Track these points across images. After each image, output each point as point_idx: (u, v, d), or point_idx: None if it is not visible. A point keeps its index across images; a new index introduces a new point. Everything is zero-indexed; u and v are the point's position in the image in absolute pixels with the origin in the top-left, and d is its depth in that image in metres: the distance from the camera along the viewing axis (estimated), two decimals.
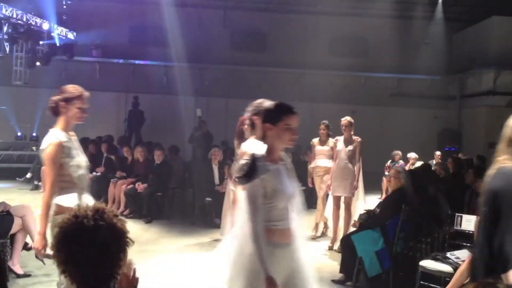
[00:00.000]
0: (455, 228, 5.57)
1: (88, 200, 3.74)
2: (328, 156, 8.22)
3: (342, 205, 7.80)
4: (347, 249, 5.91)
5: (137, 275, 2.27)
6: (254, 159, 2.95)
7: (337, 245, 7.26)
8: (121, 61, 16.68)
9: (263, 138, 3.12)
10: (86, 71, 16.59)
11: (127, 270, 2.11)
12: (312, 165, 8.58)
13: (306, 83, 16.53)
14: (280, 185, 3.04)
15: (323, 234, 8.63)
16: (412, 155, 12.52)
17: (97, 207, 1.97)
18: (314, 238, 8.41)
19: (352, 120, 7.81)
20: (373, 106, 16.21)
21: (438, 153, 13.00)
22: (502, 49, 14.72)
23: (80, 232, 1.88)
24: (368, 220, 6.21)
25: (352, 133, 7.72)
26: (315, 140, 8.45)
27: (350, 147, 7.66)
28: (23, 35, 12.50)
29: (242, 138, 7.30)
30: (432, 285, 5.10)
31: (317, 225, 8.67)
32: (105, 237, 1.88)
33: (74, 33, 14.43)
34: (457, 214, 5.64)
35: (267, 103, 3.74)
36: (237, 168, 2.99)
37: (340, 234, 7.43)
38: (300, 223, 3.22)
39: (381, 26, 15.85)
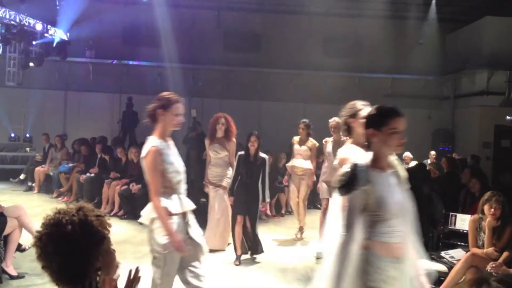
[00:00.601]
0: (449, 227, 5.59)
1: (188, 205, 3.96)
2: (305, 156, 8.08)
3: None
4: None
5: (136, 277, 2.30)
6: (355, 168, 2.80)
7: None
8: (114, 61, 16.62)
9: (368, 146, 2.97)
10: (80, 72, 16.55)
11: (112, 275, 2.11)
12: (289, 163, 8.42)
13: (300, 84, 16.54)
14: (387, 195, 2.84)
15: (299, 239, 8.54)
16: (407, 154, 12.58)
17: (80, 205, 1.98)
18: (297, 239, 8.44)
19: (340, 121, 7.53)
20: (367, 106, 16.24)
21: (433, 153, 13.03)
22: (495, 49, 14.76)
23: (52, 227, 1.90)
24: None
25: (341, 133, 7.46)
26: (296, 139, 8.26)
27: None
28: (16, 36, 12.42)
29: (214, 138, 7.27)
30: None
31: (301, 228, 8.59)
32: (75, 233, 1.88)
33: (68, 34, 14.36)
34: (451, 213, 5.66)
35: (360, 104, 3.73)
36: (336, 178, 2.86)
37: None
38: (413, 236, 3.01)
39: (375, 27, 15.86)
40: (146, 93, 16.30)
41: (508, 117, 14.18)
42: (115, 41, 16.62)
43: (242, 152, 6.99)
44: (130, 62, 16.71)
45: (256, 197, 6.90)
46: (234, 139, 7.41)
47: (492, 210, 4.99)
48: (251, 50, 17.13)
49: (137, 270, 2.34)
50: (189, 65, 16.10)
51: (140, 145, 11.75)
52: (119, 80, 16.75)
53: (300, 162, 8.09)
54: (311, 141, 8.04)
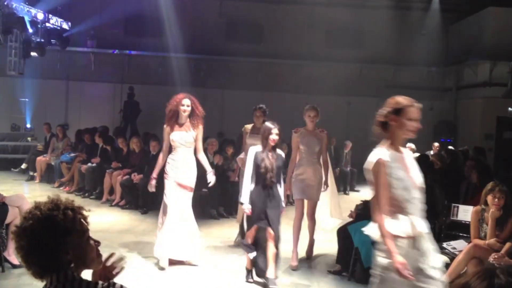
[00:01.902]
0: (451, 218, 5.59)
1: (422, 227, 3.37)
2: None
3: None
4: (344, 239, 5.92)
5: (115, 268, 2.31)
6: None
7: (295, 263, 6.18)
8: (116, 51, 16.57)
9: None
10: (81, 62, 16.52)
11: (94, 267, 2.17)
12: (241, 155, 7.16)
13: (303, 75, 16.49)
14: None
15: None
16: (409, 145, 12.55)
17: (53, 198, 2.04)
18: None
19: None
20: (369, 97, 16.16)
21: (436, 144, 12.99)
22: (498, 40, 14.69)
23: (22, 221, 1.98)
24: (365, 210, 6.20)
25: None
26: (248, 127, 7.01)
27: (317, 142, 6.36)
28: (17, 25, 12.38)
29: (174, 121, 5.87)
30: None
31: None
32: (34, 227, 1.95)
33: (69, 23, 14.30)
34: (453, 204, 5.65)
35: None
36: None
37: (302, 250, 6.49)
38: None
39: (377, 17, 15.79)
40: (148, 83, 16.37)
41: (510, 109, 14.13)
42: (117, 31, 16.58)
43: (257, 147, 5.49)
44: (132, 52, 16.66)
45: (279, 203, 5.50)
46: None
47: (496, 200, 4.98)
48: (254, 41, 17.07)
49: (119, 259, 2.35)
50: (191, 55, 16.04)
51: (141, 135, 11.76)
52: (120, 70, 16.72)
53: None
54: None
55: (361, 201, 6.73)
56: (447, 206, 5.86)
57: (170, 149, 6.11)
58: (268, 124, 5.46)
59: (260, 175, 5.30)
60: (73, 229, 1.98)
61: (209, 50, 16.39)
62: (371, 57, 16.53)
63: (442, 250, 5.15)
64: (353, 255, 5.60)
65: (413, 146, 12.63)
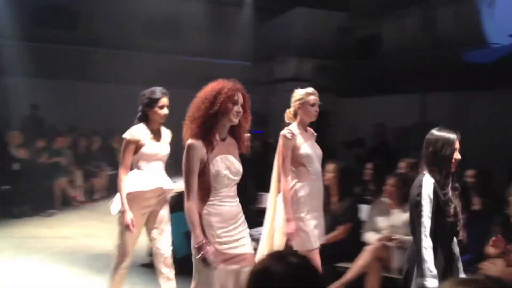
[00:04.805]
0: (258, 206, 5.92)
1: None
2: None
3: None
4: None
5: None
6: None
7: None
8: None
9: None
10: None
11: None
12: None
13: (121, 65, 16.02)
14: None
15: None
16: None
17: None
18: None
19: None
20: (187, 89, 16.32)
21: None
22: (304, 39, 15.90)
23: None
24: (180, 201, 6.27)
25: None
26: None
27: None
28: None
29: None
30: None
31: None
32: None
33: None
34: (260, 193, 6.00)
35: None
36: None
37: None
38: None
39: (195, 10, 16.03)
40: None
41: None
42: None
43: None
44: None
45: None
46: None
47: None
48: (66, 27, 16.13)
49: None
50: None
51: None
52: None
53: None
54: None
55: (176, 192, 6.79)
56: (256, 194, 6.19)
57: None
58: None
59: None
60: None
61: (13, 35, 14.99)
62: (190, 50, 16.73)
63: (252, 237, 5.43)
64: None
65: None
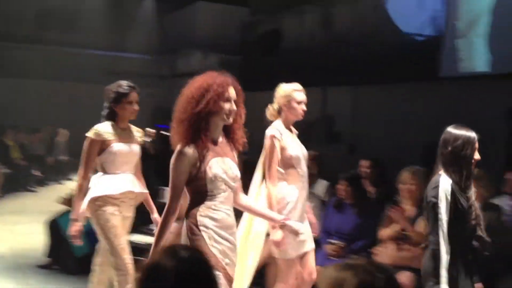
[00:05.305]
0: (160, 200, 5.87)
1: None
2: None
3: None
4: (54, 232, 5.74)
5: None
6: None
7: None
8: None
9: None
10: None
11: None
12: None
13: (16, 58, 15.14)
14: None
15: None
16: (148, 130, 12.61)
17: None
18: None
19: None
20: (89, 83, 15.77)
21: (152, 130, 13.30)
22: (207, 33, 15.89)
23: None
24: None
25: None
26: None
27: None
28: None
29: None
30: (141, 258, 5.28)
31: None
32: None
33: None
34: (161, 187, 5.97)
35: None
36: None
37: None
38: None
39: (94, 2, 15.50)
40: None
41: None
42: None
43: None
44: None
45: None
46: None
47: None
48: None
49: None
50: None
51: None
52: None
53: None
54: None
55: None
56: (159, 189, 6.11)
57: None
58: None
59: None
60: None
61: None
62: (89, 43, 16.16)
63: (151, 232, 5.39)
64: (65, 246, 5.45)
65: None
